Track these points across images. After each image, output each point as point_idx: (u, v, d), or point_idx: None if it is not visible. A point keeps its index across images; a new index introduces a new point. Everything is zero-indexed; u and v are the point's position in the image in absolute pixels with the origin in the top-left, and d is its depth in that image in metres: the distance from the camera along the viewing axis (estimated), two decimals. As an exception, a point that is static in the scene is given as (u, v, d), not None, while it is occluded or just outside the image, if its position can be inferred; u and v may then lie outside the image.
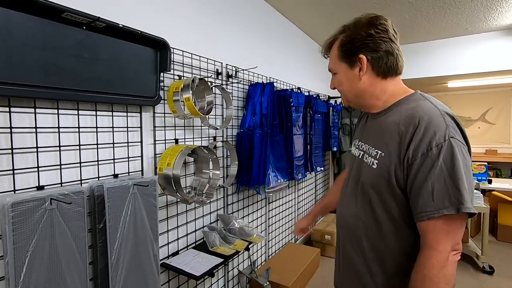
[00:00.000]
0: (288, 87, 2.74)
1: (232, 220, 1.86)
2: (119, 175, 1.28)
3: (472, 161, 0.79)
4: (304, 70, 3.26)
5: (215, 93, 1.87)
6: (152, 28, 1.41)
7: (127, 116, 1.32)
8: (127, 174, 1.33)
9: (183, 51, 1.59)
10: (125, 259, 1.16)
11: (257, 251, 2.41)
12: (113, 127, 1.26)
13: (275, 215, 2.68)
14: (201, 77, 1.52)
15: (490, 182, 3.13)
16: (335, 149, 3.53)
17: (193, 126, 1.70)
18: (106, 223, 1.11)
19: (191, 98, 1.40)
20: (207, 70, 1.80)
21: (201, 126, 1.75)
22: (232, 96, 2.04)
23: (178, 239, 1.62)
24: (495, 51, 3.32)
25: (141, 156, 1.39)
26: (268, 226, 2.58)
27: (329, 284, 2.59)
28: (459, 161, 0.67)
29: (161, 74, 1.44)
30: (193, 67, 1.68)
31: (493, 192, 3.72)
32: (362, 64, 0.79)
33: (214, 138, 1.86)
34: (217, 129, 1.79)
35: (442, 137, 0.68)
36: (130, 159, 1.34)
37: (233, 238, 1.72)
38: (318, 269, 2.78)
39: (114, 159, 1.27)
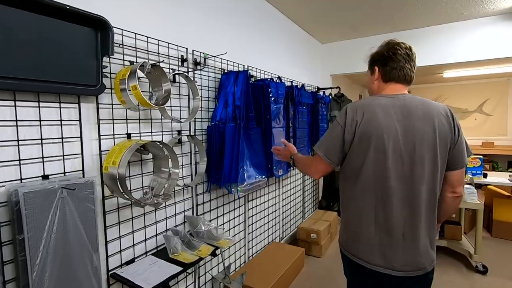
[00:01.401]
0: (269, 77, 2.55)
1: (200, 223, 1.69)
2: (50, 176, 1.10)
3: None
4: (287, 59, 3.07)
5: (179, 82, 1.69)
6: (100, 7, 1.21)
7: (60, 108, 1.14)
8: (63, 174, 1.15)
9: (135, 33, 1.40)
10: (52, 275, 0.99)
11: (235, 252, 2.25)
12: (40, 120, 1.08)
13: (256, 214, 2.52)
14: (154, 62, 1.33)
15: (485, 176, 2.97)
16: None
17: (151, 118, 1.52)
18: (25, 234, 0.93)
19: (138, 86, 1.22)
20: (169, 56, 1.61)
21: (161, 119, 1.57)
22: (201, 85, 1.85)
23: (134, 245, 1.45)
24: (493, 37, 3.12)
25: (82, 154, 1.21)
26: (248, 226, 2.41)
27: (314, 286, 2.46)
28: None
29: (105, 59, 1.25)
30: (149, 53, 1.49)
31: (488, 186, 3.57)
32: (375, 72, 1.14)
33: (179, 132, 1.68)
34: (180, 122, 1.61)
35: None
36: (66, 157, 1.16)
37: (198, 242, 1.56)
38: (303, 270, 2.63)
39: (43, 157, 1.09)
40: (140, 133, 1.46)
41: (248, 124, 2.02)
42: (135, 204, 1.33)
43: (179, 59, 1.68)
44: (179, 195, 1.72)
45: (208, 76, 1.91)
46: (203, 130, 1.88)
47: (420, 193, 0.99)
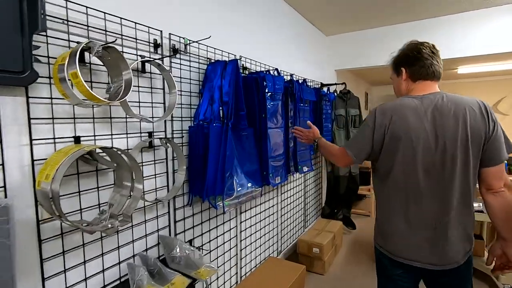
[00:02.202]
0: (265, 69, 2.23)
1: (176, 245, 1.38)
2: None
3: None
4: (287, 51, 2.74)
5: (151, 72, 1.37)
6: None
7: (-36, 102, 0.82)
8: (-29, 194, 0.84)
9: (87, 7, 1.08)
10: None
11: (224, 273, 1.94)
12: None
13: (250, 227, 2.20)
14: (106, 43, 1.01)
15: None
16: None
17: (111, 117, 1.20)
18: None
19: (79, 73, 0.90)
20: (136, 39, 1.29)
21: (125, 117, 1.26)
22: (180, 77, 1.53)
23: (86, 279, 1.14)
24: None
25: (2, 165, 0.90)
26: (241, 241, 2.10)
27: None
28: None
29: (39, 38, 0.94)
30: (107, 33, 1.17)
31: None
32: (402, 73, 1.16)
33: (150, 134, 1.36)
34: (151, 121, 1.29)
35: None
36: (-23, 170, 0.85)
37: (171, 272, 1.24)
38: (304, 290, 2.31)
39: None
40: (95, 135, 1.14)
41: (239, 124, 1.69)
42: (81, 229, 1.02)
43: (152, 44, 1.36)
44: (151, 211, 1.41)
45: (190, 66, 1.59)
46: (183, 132, 1.56)
47: (451, 190, 1.02)
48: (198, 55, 1.64)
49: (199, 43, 1.62)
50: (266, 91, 1.87)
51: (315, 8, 2.81)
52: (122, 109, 1.19)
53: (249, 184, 1.73)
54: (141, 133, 1.33)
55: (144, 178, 1.35)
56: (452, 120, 1.00)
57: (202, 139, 1.53)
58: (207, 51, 1.69)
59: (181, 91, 1.54)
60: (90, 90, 0.92)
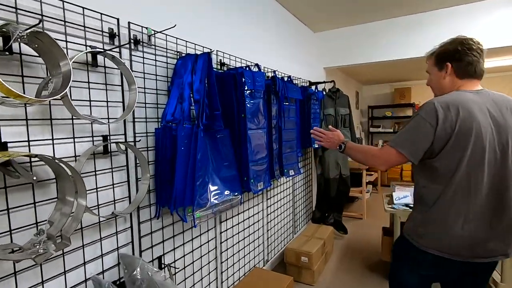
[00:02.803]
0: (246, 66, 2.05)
1: (137, 266, 1.19)
2: None
3: None
4: (272, 48, 2.57)
5: (106, 66, 1.19)
6: None
7: None
8: None
9: (14, -15, 0.90)
10: None
11: (202, 290, 1.76)
12: None
13: (232, 237, 2.02)
14: (30, 27, 0.81)
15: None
16: (316, 145, 2.85)
17: (51, 119, 1.01)
18: None
19: (-11, 63, 0.71)
20: (85, 27, 1.10)
21: (72, 119, 1.07)
22: (144, 73, 1.35)
23: (20, 313, 0.94)
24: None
25: None
26: (221, 253, 1.92)
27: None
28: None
29: None
30: (44, 19, 0.98)
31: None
32: (447, 68, 1.11)
33: (105, 137, 1.17)
34: (103, 123, 1.10)
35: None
36: None
37: (129, 300, 1.06)
38: (291, 304, 2.14)
39: None
40: (29, 141, 0.95)
41: (214, 125, 1.52)
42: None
43: (107, 34, 1.18)
44: (110, 226, 1.22)
45: (156, 60, 1.41)
46: (148, 134, 1.38)
47: (509, 188, 1.02)
48: (166, 48, 1.46)
49: (167, 35, 1.44)
50: (245, 88, 1.70)
51: (301, 3, 2.65)
52: (69, 110, 1.01)
53: (227, 192, 1.55)
54: (93, 136, 1.14)
55: (98, 189, 1.16)
56: (511, 117, 1.02)
57: (170, 143, 1.35)
58: (177, 43, 1.51)
59: (144, 88, 1.36)
60: (5, 85, 0.73)
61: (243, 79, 1.67)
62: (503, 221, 1.04)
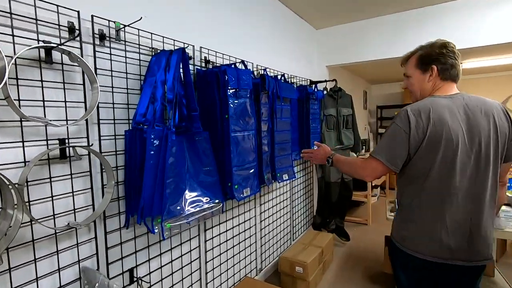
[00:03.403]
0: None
1: (97, 281, 1.08)
2: None
3: None
4: (270, 46, 2.43)
5: (63, 63, 1.09)
6: None
7: None
8: None
9: None
10: None
11: (183, 302, 1.64)
12: None
13: (219, 245, 1.90)
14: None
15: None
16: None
17: (-6, 121, 0.92)
18: None
19: None
20: (36, 19, 1.01)
21: (21, 121, 0.97)
22: (111, 71, 1.25)
23: (-46, 337, 0.85)
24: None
25: None
26: (206, 263, 1.80)
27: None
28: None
29: None
30: (-13, 10, 0.89)
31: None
32: (432, 71, 1.11)
33: (62, 141, 1.07)
34: (57, 126, 1.00)
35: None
36: None
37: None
38: (283, 317, 2.00)
39: None
40: (-35, 145, 0.86)
41: (191, 127, 1.41)
42: None
43: (65, 28, 1.08)
44: (70, 237, 1.12)
45: (126, 57, 1.30)
46: (116, 137, 1.28)
47: (485, 189, 1.03)
48: (139, 44, 1.36)
49: (139, 30, 1.34)
50: (229, 87, 1.57)
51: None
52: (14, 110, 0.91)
53: (206, 199, 1.44)
54: (47, 140, 1.04)
55: (54, 198, 1.07)
56: (485, 120, 1.02)
57: (140, 146, 1.25)
58: (152, 39, 1.41)
59: (112, 87, 1.25)
60: None
61: (226, 77, 1.55)
62: (481, 226, 1.04)
